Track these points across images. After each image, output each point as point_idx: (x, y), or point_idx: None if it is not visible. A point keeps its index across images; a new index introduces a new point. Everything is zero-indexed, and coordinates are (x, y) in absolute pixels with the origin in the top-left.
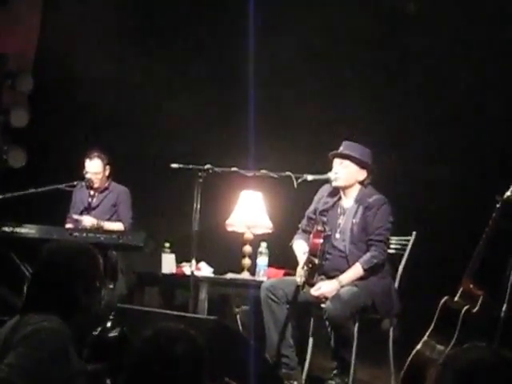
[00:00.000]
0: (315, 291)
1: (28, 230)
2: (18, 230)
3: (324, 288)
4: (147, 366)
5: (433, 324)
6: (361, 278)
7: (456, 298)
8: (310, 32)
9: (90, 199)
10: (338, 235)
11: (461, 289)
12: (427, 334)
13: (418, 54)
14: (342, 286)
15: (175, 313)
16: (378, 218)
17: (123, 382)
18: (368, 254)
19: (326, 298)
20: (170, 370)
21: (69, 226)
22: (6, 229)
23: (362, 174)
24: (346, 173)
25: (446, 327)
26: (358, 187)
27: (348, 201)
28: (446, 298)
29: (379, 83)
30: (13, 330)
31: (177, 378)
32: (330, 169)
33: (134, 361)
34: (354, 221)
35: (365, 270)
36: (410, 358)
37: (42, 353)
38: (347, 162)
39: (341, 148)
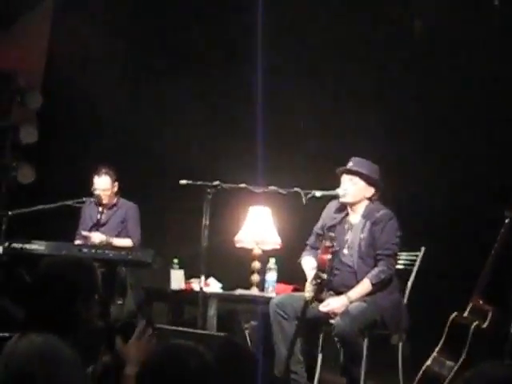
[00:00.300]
0: (324, 307)
1: (37, 247)
2: (27, 246)
3: (333, 304)
4: (158, 382)
5: (442, 340)
6: (369, 294)
7: (465, 314)
8: (319, 44)
9: (98, 216)
10: (345, 251)
11: (470, 305)
12: (436, 349)
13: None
14: (350, 302)
15: (185, 329)
16: (386, 233)
17: None
18: (376, 269)
19: (335, 314)
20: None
21: (78, 242)
22: (16, 245)
23: (369, 191)
24: (354, 189)
25: (456, 343)
26: (365, 203)
27: (355, 216)
28: (455, 313)
29: (390, 98)
30: (11, 353)
31: None
32: (338, 185)
33: (144, 376)
34: (361, 236)
35: (373, 285)
36: (419, 374)
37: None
38: (356, 179)
39: (349, 164)
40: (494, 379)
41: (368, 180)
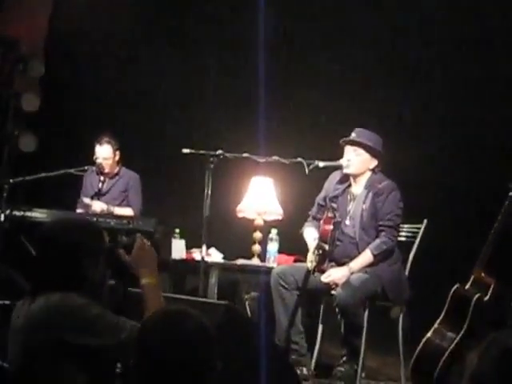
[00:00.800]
0: (325, 278)
1: (39, 215)
2: (28, 214)
3: (334, 275)
4: (159, 346)
5: (443, 312)
6: (371, 265)
7: (467, 286)
8: (323, 16)
9: (100, 184)
10: (347, 221)
11: (472, 277)
12: (438, 321)
13: (432, 42)
14: (352, 273)
15: (187, 297)
16: (388, 204)
17: (133, 361)
18: (378, 240)
19: (337, 285)
20: (182, 348)
21: (79, 210)
22: (17, 213)
23: (373, 163)
24: (358, 160)
25: (457, 315)
26: (368, 174)
27: (358, 187)
28: (457, 285)
29: (393, 68)
30: (40, 311)
31: (189, 357)
32: (341, 155)
33: (144, 340)
34: (363, 207)
35: (375, 256)
36: (420, 346)
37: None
38: (360, 150)
39: (353, 135)
40: (509, 347)
41: (372, 151)
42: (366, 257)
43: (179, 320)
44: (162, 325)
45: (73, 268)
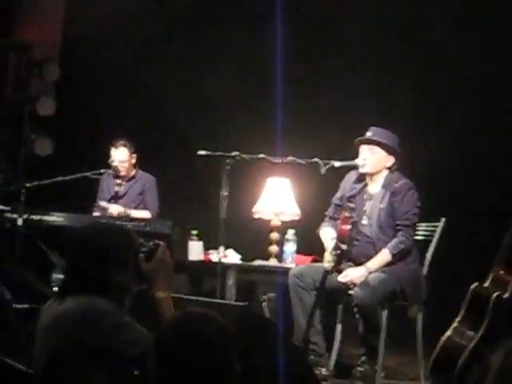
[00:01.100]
0: (343, 278)
1: (56, 218)
2: (45, 218)
3: (352, 275)
4: (179, 349)
5: (462, 310)
6: (388, 264)
7: (486, 284)
8: (338, 19)
9: (116, 188)
10: (364, 221)
11: (491, 275)
12: (457, 320)
13: (445, 39)
14: (369, 273)
15: (204, 299)
16: (405, 203)
17: (152, 364)
18: (395, 240)
19: (354, 285)
20: (203, 351)
21: (96, 214)
22: (34, 217)
23: (389, 160)
24: (374, 159)
25: (476, 313)
26: (385, 173)
27: (375, 186)
28: (475, 284)
29: (408, 68)
30: (68, 313)
31: (209, 359)
32: (357, 155)
33: (163, 342)
34: (381, 206)
35: (392, 256)
36: (439, 344)
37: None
38: (375, 149)
39: (368, 134)
40: None
41: (387, 149)
42: (383, 256)
43: (199, 323)
44: (182, 328)
45: (102, 272)
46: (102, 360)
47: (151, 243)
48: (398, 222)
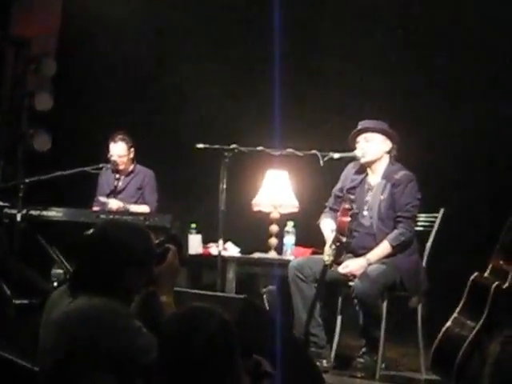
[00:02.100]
0: (343, 269)
1: (55, 213)
2: (45, 213)
3: (352, 266)
4: (182, 344)
5: (462, 301)
6: (388, 256)
7: (486, 275)
8: (339, 11)
9: (115, 182)
10: (365, 212)
11: (490, 265)
12: (457, 310)
13: (445, 32)
14: (369, 264)
15: (205, 292)
16: (406, 195)
17: (157, 362)
18: (396, 231)
19: (354, 276)
20: (206, 346)
21: (95, 208)
22: (33, 212)
23: (387, 145)
24: (372, 146)
25: (476, 304)
26: (385, 162)
27: (375, 177)
28: (475, 274)
29: (405, 60)
30: (81, 313)
31: (212, 354)
32: (355, 147)
33: (167, 339)
34: (381, 197)
35: (393, 247)
36: (440, 335)
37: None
38: (370, 136)
39: (359, 126)
40: None
41: (382, 133)
42: (384, 248)
43: (203, 317)
44: (186, 322)
45: (119, 272)
46: (112, 364)
47: (162, 246)
48: (398, 214)
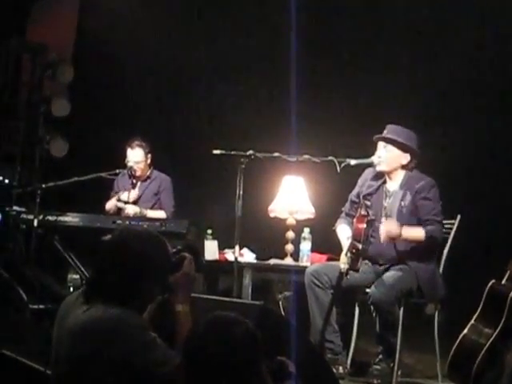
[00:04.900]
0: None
1: (71, 219)
2: (61, 218)
3: (387, 228)
4: (208, 352)
5: (480, 308)
6: (407, 258)
7: (503, 282)
8: (353, 17)
9: (131, 189)
10: (383, 219)
11: (508, 272)
12: (474, 318)
13: (459, 35)
14: (398, 236)
15: (222, 298)
16: (432, 200)
17: (183, 369)
18: (429, 227)
19: (393, 239)
20: (232, 355)
21: (112, 202)
22: (50, 217)
23: (405, 158)
24: (388, 157)
25: (494, 311)
26: (402, 172)
27: (393, 184)
28: (492, 281)
29: (422, 66)
30: (95, 322)
31: (237, 362)
32: (373, 152)
33: (193, 347)
34: (402, 203)
35: (425, 237)
36: (457, 342)
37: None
38: (390, 146)
39: (385, 131)
40: None
41: (402, 147)
42: (418, 231)
43: (229, 327)
44: (212, 331)
45: (135, 282)
46: (126, 376)
47: (178, 255)
48: (427, 217)
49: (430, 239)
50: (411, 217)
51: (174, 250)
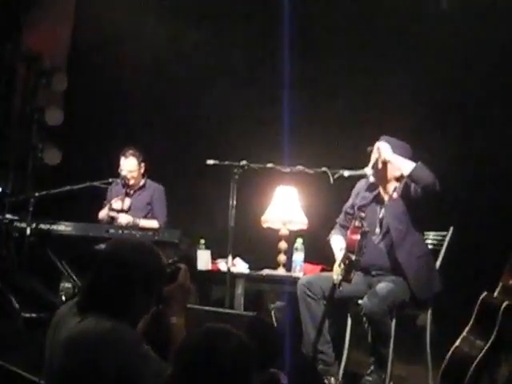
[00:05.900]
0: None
1: (64, 227)
2: (54, 226)
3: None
4: (200, 365)
5: (472, 320)
6: (398, 272)
7: (495, 294)
8: (348, 26)
9: (125, 198)
10: (377, 230)
11: (500, 284)
12: (466, 330)
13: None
14: (388, 161)
15: (214, 309)
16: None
17: (175, 380)
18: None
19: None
20: (223, 366)
21: (104, 211)
22: (43, 226)
23: (398, 170)
24: (381, 169)
25: (486, 323)
26: (396, 183)
27: (387, 195)
28: (485, 293)
29: (414, 76)
30: (88, 335)
31: (230, 374)
32: (366, 164)
33: (184, 358)
34: (399, 211)
35: (415, 167)
36: (449, 354)
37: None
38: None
39: (377, 143)
40: None
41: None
42: (409, 162)
43: (221, 339)
44: (204, 343)
45: (128, 293)
46: None
47: (174, 265)
48: None
49: (421, 170)
50: (408, 210)
51: (170, 261)
